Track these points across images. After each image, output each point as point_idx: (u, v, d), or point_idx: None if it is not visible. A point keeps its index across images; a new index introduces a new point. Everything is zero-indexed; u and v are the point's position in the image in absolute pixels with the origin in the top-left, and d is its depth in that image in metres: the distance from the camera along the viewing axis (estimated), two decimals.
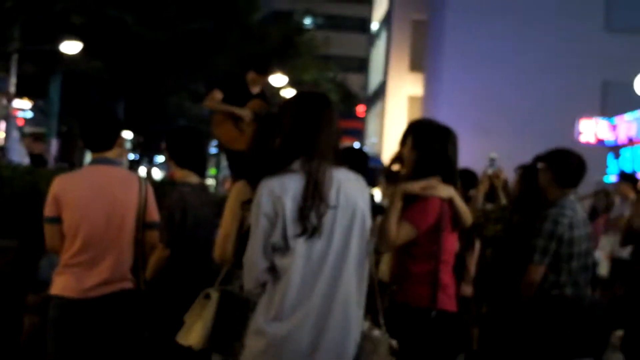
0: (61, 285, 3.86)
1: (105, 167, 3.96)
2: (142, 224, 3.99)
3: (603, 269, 5.67)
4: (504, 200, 5.12)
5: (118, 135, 4.01)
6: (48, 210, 3.86)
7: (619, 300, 5.43)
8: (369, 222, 2.83)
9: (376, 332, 2.90)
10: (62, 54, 17.69)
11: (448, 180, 3.65)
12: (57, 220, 3.84)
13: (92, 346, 3.92)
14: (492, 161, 4.95)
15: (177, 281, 4.08)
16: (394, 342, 2.80)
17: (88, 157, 19.59)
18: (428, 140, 3.71)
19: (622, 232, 5.81)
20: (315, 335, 2.67)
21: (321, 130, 2.78)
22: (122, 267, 3.92)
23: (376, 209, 5.39)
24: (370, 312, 6.14)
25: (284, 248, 2.69)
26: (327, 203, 2.71)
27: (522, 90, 22.38)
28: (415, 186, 3.58)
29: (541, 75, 22.29)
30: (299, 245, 2.67)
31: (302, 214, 2.66)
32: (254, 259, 2.71)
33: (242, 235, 3.12)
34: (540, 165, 4.61)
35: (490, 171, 4.95)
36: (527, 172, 4.85)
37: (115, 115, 4.18)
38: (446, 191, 3.60)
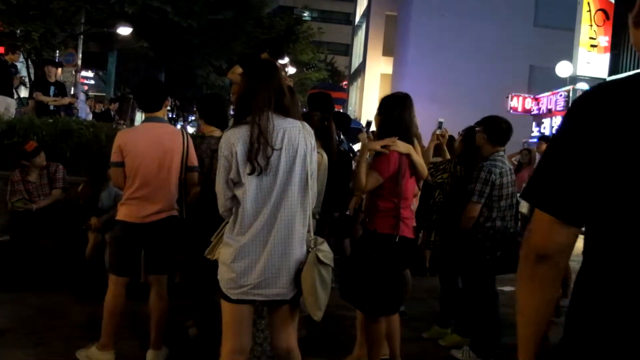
0: (124, 213, 3.85)
1: (156, 124, 3.91)
2: (185, 167, 3.97)
3: (524, 208, 5.69)
4: (448, 155, 5.12)
5: (165, 99, 3.96)
6: (114, 157, 3.83)
7: None
8: (311, 159, 2.73)
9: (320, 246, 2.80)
10: (118, 35, 17.40)
11: (404, 138, 3.63)
12: (121, 164, 3.82)
13: (146, 259, 3.94)
14: (440, 124, 4.93)
15: (206, 211, 4.08)
16: (321, 254, 2.73)
17: (138, 115, 19.42)
18: (388, 108, 3.69)
19: None
20: (264, 243, 2.64)
21: (262, 88, 2.68)
22: (170, 199, 3.90)
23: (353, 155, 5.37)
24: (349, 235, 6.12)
25: (240, 182, 2.64)
26: (272, 146, 2.64)
27: (468, 71, 22.30)
28: (377, 144, 3.59)
29: (482, 60, 22.20)
30: (251, 180, 2.62)
31: (250, 155, 2.61)
32: (220, 190, 2.68)
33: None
34: (477, 128, 4.61)
35: (438, 131, 4.93)
36: (467, 133, 4.84)
37: (162, 83, 4.11)
38: (404, 147, 3.59)
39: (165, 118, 4.07)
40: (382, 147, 3.57)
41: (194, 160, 4.03)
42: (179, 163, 3.93)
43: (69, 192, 6.05)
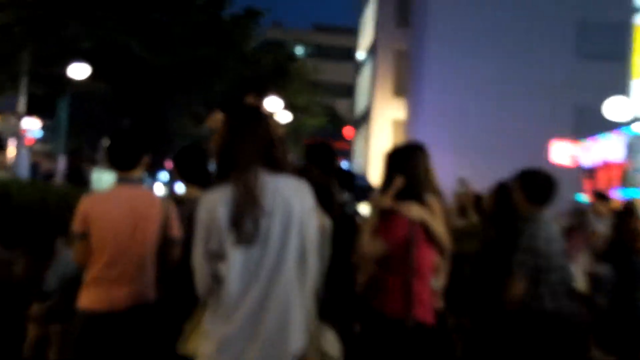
0: (89, 298, 3.81)
1: (130, 186, 3.96)
2: (164, 240, 3.97)
3: (580, 284, 5.61)
4: (475, 218, 5.11)
5: (142, 154, 3.98)
6: (77, 227, 3.84)
7: (599, 314, 5.37)
8: (310, 224, 2.74)
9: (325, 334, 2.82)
10: (71, 76, 17.62)
11: (413, 192, 3.63)
12: (85, 236, 3.82)
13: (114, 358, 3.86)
14: (461, 182, 4.97)
15: (184, 292, 4.01)
16: (326, 345, 2.72)
17: (96, 174, 19.52)
18: (397, 162, 3.72)
19: (600, 249, 5.79)
20: (253, 333, 2.61)
21: (247, 139, 2.73)
22: (145, 280, 3.89)
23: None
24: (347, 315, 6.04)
25: (223, 255, 2.64)
26: (262, 209, 2.65)
27: (498, 115, 22.48)
28: (386, 201, 3.59)
29: (515, 100, 22.41)
30: (235, 253, 2.62)
31: (236, 221, 2.62)
32: (197, 265, 2.70)
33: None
34: (512, 183, 4.61)
35: (460, 191, 4.96)
36: (500, 190, 4.84)
37: (140, 137, 4.13)
38: (417, 212, 3.58)
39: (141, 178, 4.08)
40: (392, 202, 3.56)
41: (174, 230, 4.01)
42: (156, 234, 3.92)
43: (1, 270, 5.97)
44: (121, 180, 3.96)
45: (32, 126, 22.79)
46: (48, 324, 5.55)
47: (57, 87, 19.12)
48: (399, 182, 3.60)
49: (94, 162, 21.93)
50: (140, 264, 3.86)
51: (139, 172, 4.00)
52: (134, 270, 3.84)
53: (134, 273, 3.83)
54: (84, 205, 3.85)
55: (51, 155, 19.10)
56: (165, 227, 3.95)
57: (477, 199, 5.53)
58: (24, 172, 14.37)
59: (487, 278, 4.60)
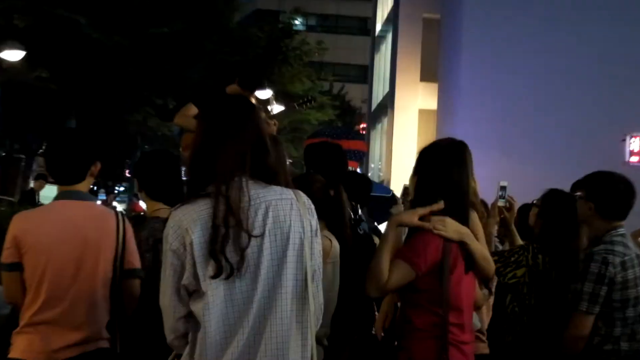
0: (23, 347, 3.82)
1: (75, 202, 3.95)
2: (120, 271, 3.98)
3: None
4: (518, 238, 5.12)
5: (92, 163, 4.01)
6: (6, 256, 3.84)
7: None
8: (312, 250, 2.76)
9: None
10: (1, 62, 17.72)
11: (458, 213, 3.62)
12: (17, 266, 3.82)
13: None
14: (502, 190, 4.97)
15: (146, 337, 4.04)
16: None
17: (31, 185, 19.41)
18: (431, 164, 3.71)
19: None
20: None
21: (230, 140, 2.74)
22: (96, 323, 3.89)
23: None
24: None
25: (199, 292, 2.64)
26: (249, 231, 2.65)
27: (554, 104, 22.35)
28: (414, 215, 3.56)
29: (578, 86, 22.27)
30: (216, 288, 2.61)
31: (214, 248, 2.60)
32: (167, 305, 2.70)
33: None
34: (578, 193, 4.61)
35: (500, 203, 4.96)
36: (550, 201, 4.84)
37: (87, 140, 4.14)
38: (454, 229, 3.56)
39: (88, 192, 4.12)
40: (422, 219, 3.57)
41: (134, 259, 4.03)
42: (110, 264, 3.93)
43: None
44: (64, 196, 3.98)
45: None
46: None
47: None
48: (439, 205, 3.57)
49: (33, 174, 22.00)
50: (88, 303, 3.86)
51: (86, 185, 4.02)
52: (80, 311, 3.83)
53: (80, 315, 3.83)
54: (15, 227, 3.86)
55: None
56: (121, 253, 3.97)
57: (525, 209, 5.56)
58: None
59: (536, 313, 4.62)
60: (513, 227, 5.10)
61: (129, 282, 4.03)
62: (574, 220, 4.64)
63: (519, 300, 4.76)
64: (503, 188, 4.96)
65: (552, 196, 4.85)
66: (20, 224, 3.88)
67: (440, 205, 3.54)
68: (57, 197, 4.03)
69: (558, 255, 4.65)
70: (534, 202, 5.08)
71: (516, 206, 5.08)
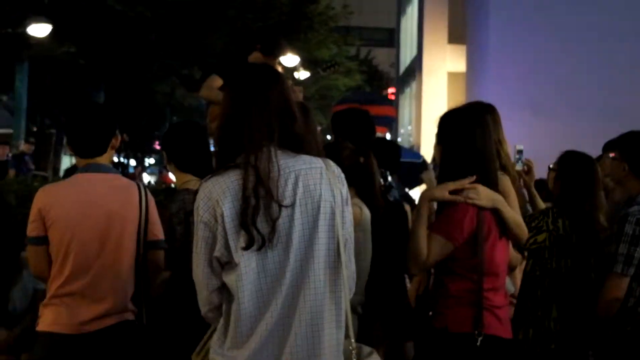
0: (50, 319, 3.86)
1: (98, 175, 3.98)
2: (144, 243, 4.01)
3: None
4: (540, 202, 5.07)
5: (112, 135, 4.02)
6: (31, 229, 3.87)
7: None
8: (343, 219, 2.76)
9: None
10: (29, 38, 17.75)
11: (487, 180, 3.62)
12: (42, 240, 3.86)
13: None
14: (519, 154, 4.93)
15: (180, 311, 4.08)
16: None
17: (66, 161, 19.59)
18: (457, 131, 3.69)
19: None
20: None
21: (257, 110, 2.73)
22: (121, 295, 3.92)
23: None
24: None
25: (232, 263, 2.65)
26: (279, 201, 2.65)
27: (588, 62, 22.09)
28: (444, 190, 3.57)
29: (612, 41, 21.96)
30: (248, 259, 2.63)
31: (245, 219, 2.62)
32: (200, 278, 2.72)
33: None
34: (611, 153, 4.57)
35: (518, 167, 4.91)
36: (566, 163, 4.77)
37: (108, 112, 4.16)
38: (486, 197, 3.56)
39: (111, 165, 4.13)
40: (453, 193, 3.57)
41: (157, 230, 4.07)
42: (134, 236, 3.97)
43: None
44: (86, 169, 3.99)
45: None
46: (18, 354, 5.68)
47: (13, 53, 19.24)
48: (470, 180, 3.57)
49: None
50: (113, 275, 3.89)
51: (107, 158, 4.04)
52: (105, 283, 3.87)
53: (105, 287, 3.87)
54: (39, 200, 3.89)
55: (7, 140, 19.27)
56: (144, 225, 4.00)
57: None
58: None
59: (557, 277, 4.60)
60: (534, 191, 5.04)
61: (153, 253, 4.06)
62: (591, 181, 4.60)
63: (540, 265, 4.75)
64: (520, 152, 4.92)
65: (568, 158, 4.79)
66: (44, 198, 3.90)
67: (472, 180, 3.55)
68: (80, 170, 4.05)
69: (577, 218, 4.62)
70: (550, 166, 5.03)
71: (532, 167, 5.02)
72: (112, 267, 3.90)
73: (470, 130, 3.66)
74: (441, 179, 3.69)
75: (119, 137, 4.12)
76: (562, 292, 4.50)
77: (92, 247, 3.86)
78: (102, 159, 4.02)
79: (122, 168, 30.13)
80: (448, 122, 3.76)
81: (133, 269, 3.99)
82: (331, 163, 2.81)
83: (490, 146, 3.70)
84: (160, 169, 30.50)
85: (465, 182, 3.55)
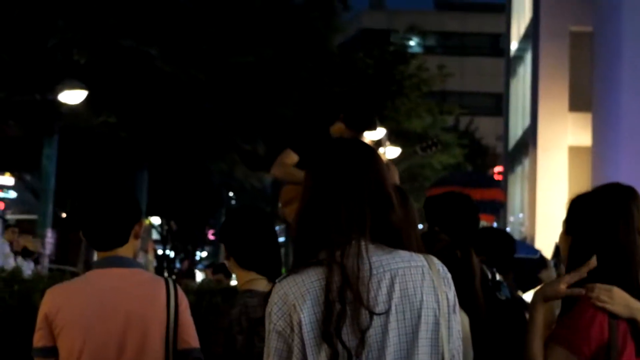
0: None
1: (115, 270, 4.03)
2: (174, 352, 4.01)
3: None
4: None
5: (135, 223, 4.11)
6: (37, 339, 3.92)
7: None
8: (451, 327, 2.74)
9: None
10: (61, 106, 18.05)
11: (624, 274, 3.59)
12: (50, 351, 3.90)
13: None
14: None
15: None
16: None
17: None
18: (588, 219, 3.68)
19: None
20: None
21: (347, 196, 2.72)
22: None
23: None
24: None
25: None
26: (371, 309, 2.63)
27: None
28: (562, 284, 3.53)
29: None
30: None
31: (327, 328, 2.60)
32: None
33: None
34: None
35: None
36: None
37: (128, 194, 4.28)
38: (621, 303, 3.52)
39: (142, 258, 4.19)
40: (572, 287, 3.55)
41: (189, 337, 4.07)
42: (161, 342, 3.99)
43: None
44: (101, 264, 4.05)
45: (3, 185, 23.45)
46: None
47: (41, 124, 19.41)
48: (592, 263, 3.53)
49: None
50: None
51: (129, 249, 4.07)
52: None
53: None
54: (46, 304, 3.94)
55: (30, 229, 19.50)
56: (173, 331, 4.00)
57: None
58: None
59: None
60: None
61: None
62: None
63: None
64: None
65: None
66: (52, 299, 3.94)
67: (593, 263, 3.52)
68: (95, 265, 4.13)
69: None
70: None
71: None
72: None
73: (612, 221, 3.63)
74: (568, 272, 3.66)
75: (142, 226, 4.17)
76: None
77: (107, 356, 3.88)
78: (123, 251, 4.05)
79: (167, 262, 30.39)
80: (583, 209, 3.72)
81: None
82: (435, 261, 2.77)
83: (635, 242, 3.66)
84: (217, 265, 30.46)
85: (583, 271, 3.53)
